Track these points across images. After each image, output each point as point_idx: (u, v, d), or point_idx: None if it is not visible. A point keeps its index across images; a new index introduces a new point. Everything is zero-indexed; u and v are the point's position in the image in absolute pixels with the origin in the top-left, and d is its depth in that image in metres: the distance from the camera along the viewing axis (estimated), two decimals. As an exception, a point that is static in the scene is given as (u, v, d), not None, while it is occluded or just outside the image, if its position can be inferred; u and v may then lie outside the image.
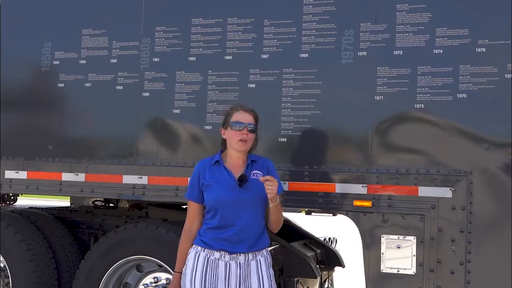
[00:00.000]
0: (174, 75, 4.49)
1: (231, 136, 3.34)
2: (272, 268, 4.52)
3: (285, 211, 6.17)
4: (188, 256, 3.33)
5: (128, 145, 4.58)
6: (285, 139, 4.21)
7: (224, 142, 3.42)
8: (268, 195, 3.23)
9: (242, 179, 3.29)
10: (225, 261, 3.26)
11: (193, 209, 3.39)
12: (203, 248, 3.29)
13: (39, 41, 4.86)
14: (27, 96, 4.90)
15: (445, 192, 3.88)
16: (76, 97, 4.76)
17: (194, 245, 3.34)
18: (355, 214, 4.04)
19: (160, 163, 4.46)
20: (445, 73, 3.93)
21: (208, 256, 3.27)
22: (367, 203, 4.01)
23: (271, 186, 3.20)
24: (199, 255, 3.29)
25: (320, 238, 5.50)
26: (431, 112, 3.94)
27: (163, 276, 4.66)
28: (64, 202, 7.46)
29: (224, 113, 3.48)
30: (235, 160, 3.37)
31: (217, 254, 3.27)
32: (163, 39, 4.54)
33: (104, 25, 4.70)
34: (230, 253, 3.28)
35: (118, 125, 4.63)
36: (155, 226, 4.46)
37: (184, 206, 5.11)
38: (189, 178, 3.39)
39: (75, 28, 4.77)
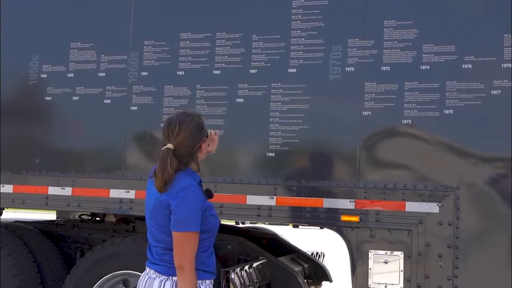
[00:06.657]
0: (163, 89, 4.48)
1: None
2: (260, 282, 4.50)
3: (272, 225, 6.12)
4: None
5: (116, 159, 4.56)
6: (273, 154, 4.21)
7: (196, 159, 2.91)
8: None
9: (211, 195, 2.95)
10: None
11: (197, 240, 2.74)
12: (211, 281, 2.84)
13: (27, 54, 4.84)
14: (14, 109, 4.87)
15: (432, 208, 3.89)
16: (63, 111, 4.74)
17: (202, 280, 2.78)
18: (343, 229, 4.04)
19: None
20: (432, 89, 3.96)
21: (211, 286, 2.86)
22: (355, 218, 4.01)
23: None
24: None
25: (308, 253, 5.49)
26: (418, 127, 3.96)
27: (150, 291, 4.62)
28: (50, 215, 7.39)
29: (198, 128, 2.87)
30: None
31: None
32: (151, 53, 4.54)
33: (92, 39, 4.69)
34: None
35: (106, 139, 4.62)
36: (142, 240, 4.42)
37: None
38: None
39: (63, 41, 4.76)
